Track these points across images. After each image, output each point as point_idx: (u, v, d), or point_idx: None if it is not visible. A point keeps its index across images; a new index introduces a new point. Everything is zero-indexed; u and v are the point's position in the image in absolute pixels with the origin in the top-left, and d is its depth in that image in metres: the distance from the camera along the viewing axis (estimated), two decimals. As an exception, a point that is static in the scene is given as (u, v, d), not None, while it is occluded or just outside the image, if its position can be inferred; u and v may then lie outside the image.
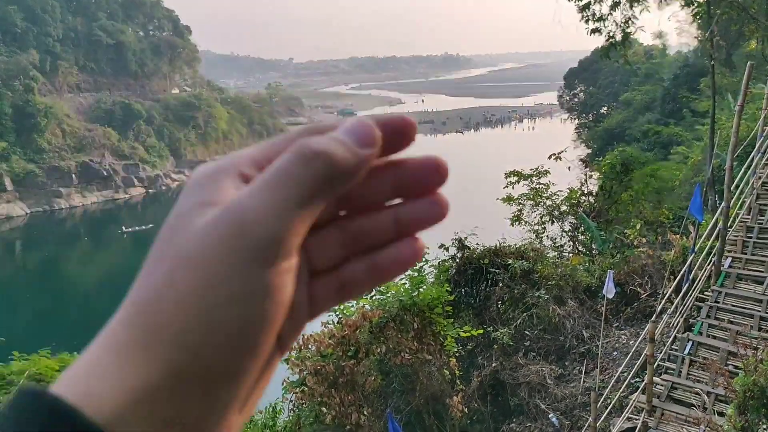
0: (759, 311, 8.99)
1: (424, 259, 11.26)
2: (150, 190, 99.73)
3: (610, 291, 9.34)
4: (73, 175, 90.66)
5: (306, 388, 9.46)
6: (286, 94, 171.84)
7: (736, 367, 7.86)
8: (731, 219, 10.40)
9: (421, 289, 10.18)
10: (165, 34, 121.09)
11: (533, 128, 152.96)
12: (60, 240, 78.50)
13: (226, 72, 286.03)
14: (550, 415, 9.76)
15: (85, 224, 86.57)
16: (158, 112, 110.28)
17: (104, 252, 76.65)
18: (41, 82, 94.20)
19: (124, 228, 79.24)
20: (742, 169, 11.53)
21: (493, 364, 11.09)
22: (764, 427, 6.31)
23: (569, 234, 18.40)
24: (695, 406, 7.48)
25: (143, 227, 79.16)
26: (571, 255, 16.87)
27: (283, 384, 10.11)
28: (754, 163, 11.62)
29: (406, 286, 10.41)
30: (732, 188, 10.33)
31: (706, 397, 7.44)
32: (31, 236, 79.56)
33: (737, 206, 11.17)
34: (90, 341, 0.40)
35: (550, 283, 12.05)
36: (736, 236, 10.42)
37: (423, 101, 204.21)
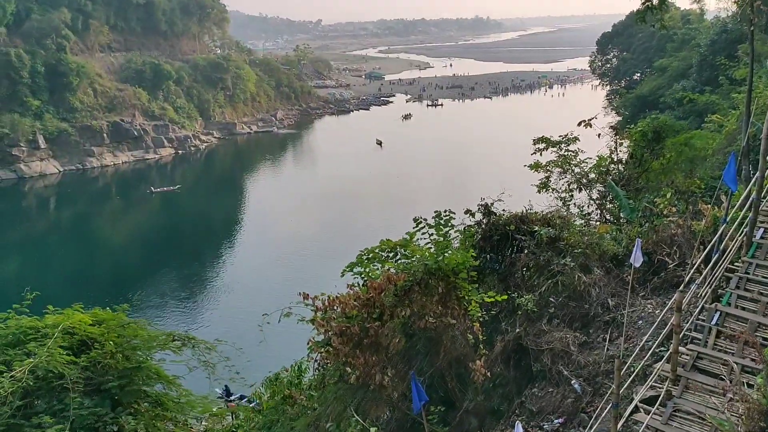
0: (790, 283, 8.84)
1: (449, 224, 11.26)
2: (179, 151, 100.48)
3: (637, 259, 9.24)
4: (105, 135, 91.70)
5: (331, 349, 9.61)
6: (315, 57, 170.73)
7: (764, 338, 7.79)
8: (765, 189, 10.18)
9: (446, 254, 10.20)
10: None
11: (563, 94, 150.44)
12: (92, 198, 79.95)
13: (254, 33, 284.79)
14: (572, 382, 9.80)
15: (116, 183, 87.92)
16: (187, 72, 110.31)
17: (133, 211, 77.95)
18: (73, 41, 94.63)
19: (152, 188, 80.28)
20: (779, 139, 11.23)
21: (517, 330, 11.12)
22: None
23: (597, 202, 18.21)
24: (721, 377, 7.44)
25: (170, 188, 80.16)
26: (598, 223, 16.71)
27: (308, 344, 10.30)
28: (791, 133, 11.29)
29: (432, 250, 10.44)
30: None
31: (735, 366, 7.39)
32: (64, 194, 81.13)
33: (772, 176, 10.90)
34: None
35: (576, 251, 11.96)
36: (770, 207, 10.21)
37: (451, 65, 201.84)
